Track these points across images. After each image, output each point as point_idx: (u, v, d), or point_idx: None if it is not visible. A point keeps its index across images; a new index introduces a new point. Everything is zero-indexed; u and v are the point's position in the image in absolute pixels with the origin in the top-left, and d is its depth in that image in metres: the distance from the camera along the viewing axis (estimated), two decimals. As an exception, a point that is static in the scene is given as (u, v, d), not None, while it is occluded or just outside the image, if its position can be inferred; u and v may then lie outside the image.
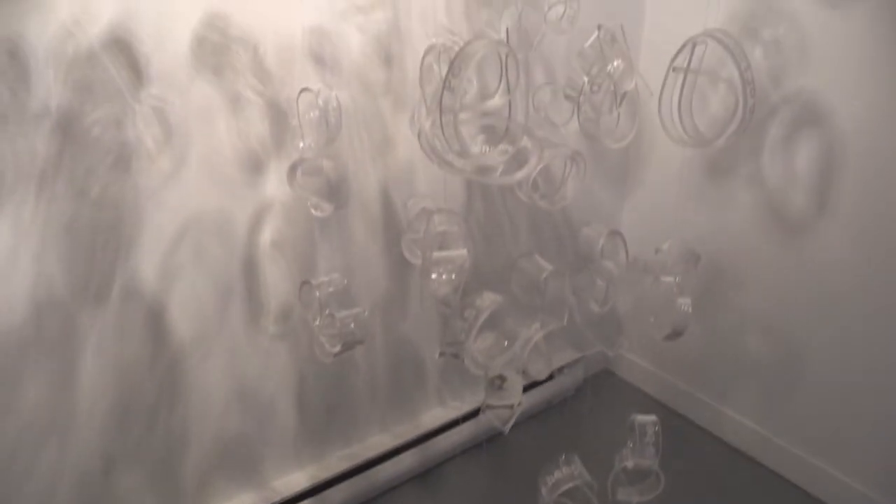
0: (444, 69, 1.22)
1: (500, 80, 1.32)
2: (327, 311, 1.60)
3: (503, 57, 1.24)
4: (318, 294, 1.57)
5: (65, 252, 1.60)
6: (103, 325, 1.70)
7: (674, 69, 1.37)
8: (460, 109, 1.15)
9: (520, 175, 1.29)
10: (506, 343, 1.47)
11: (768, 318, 2.32)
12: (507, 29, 1.22)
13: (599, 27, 1.29)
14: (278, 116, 1.78)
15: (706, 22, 2.09)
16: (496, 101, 1.37)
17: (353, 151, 1.90)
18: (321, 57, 1.78)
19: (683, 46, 1.37)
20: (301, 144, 1.54)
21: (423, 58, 1.46)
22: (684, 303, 1.52)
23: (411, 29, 1.86)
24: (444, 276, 1.37)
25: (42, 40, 1.49)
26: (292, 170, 1.57)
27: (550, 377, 2.39)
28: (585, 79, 1.28)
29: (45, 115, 1.52)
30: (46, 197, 1.56)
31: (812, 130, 2.08)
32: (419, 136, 1.33)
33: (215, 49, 1.67)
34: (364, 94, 1.88)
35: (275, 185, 1.82)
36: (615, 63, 1.26)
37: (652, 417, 1.59)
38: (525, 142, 1.28)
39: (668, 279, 1.47)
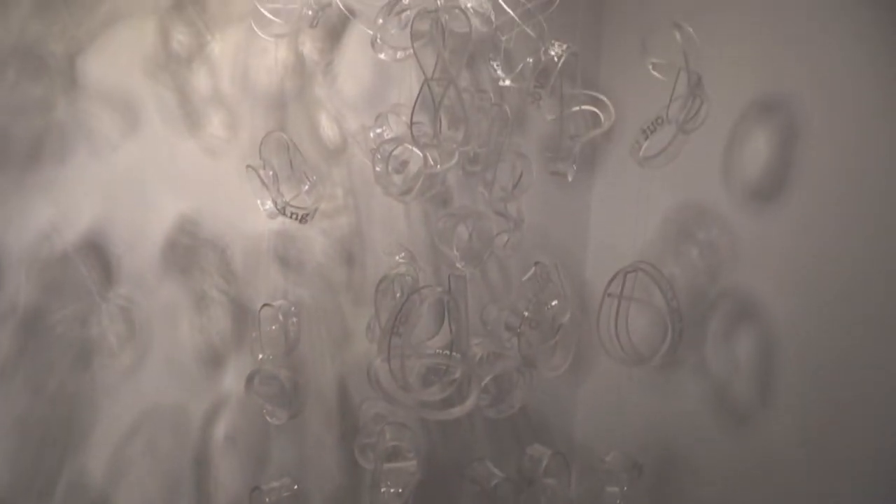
0: (398, 292, 1.33)
1: (444, 322, 1.43)
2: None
3: (447, 303, 1.35)
4: (268, 501, 1.56)
5: (11, 448, 1.59)
6: (43, 525, 1.64)
7: (608, 295, 1.50)
8: (407, 352, 1.25)
9: (459, 411, 1.36)
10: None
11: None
12: (450, 276, 1.34)
13: (536, 263, 1.42)
14: (241, 314, 1.84)
15: (644, 230, 2.28)
16: (439, 341, 1.49)
17: (311, 347, 1.96)
18: (286, 258, 1.89)
19: (616, 275, 1.51)
20: (260, 356, 1.60)
21: (378, 284, 1.58)
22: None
23: (373, 233, 2.00)
24: (392, 490, 1.39)
25: (19, 244, 1.58)
26: (249, 379, 1.63)
27: None
28: (526, 313, 1.40)
29: (11, 313, 1.58)
30: (2, 393, 1.57)
31: (749, 325, 2.19)
32: (368, 370, 1.42)
33: (185, 251, 1.77)
34: (325, 292, 1.97)
35: (233, 379, 1.85)
36: (552, 303, 1.39)
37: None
38: (465, 371, 1.37)
39: (613, 489, 1.49)
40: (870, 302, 1.84)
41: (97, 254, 1.67)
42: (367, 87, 1.91)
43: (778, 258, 2.10)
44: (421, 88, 1.21)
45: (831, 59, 1.85)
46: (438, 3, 1.28)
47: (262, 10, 1.43)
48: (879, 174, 1.78)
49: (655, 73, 1.50)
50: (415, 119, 1.32)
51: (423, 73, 1.21)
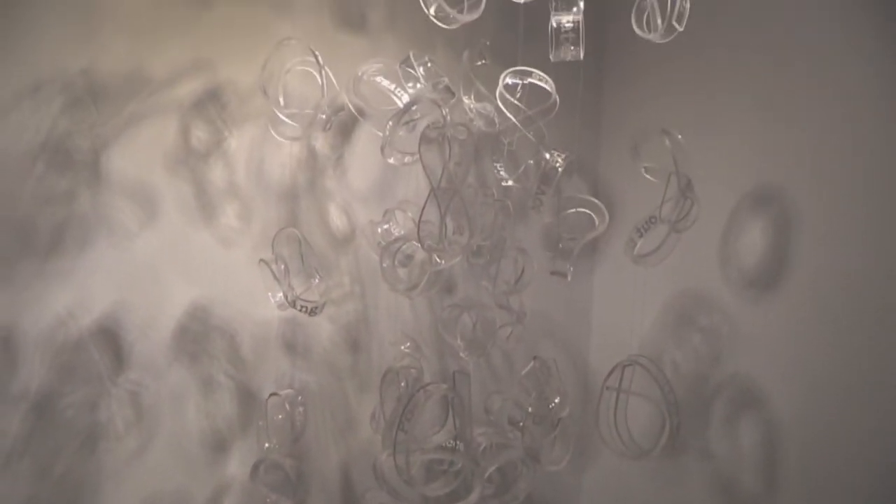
0: (403, 383, 1.37)
1: (448, 418, 1.47)
2: None
3: (451, 400, 1.40)
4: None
5: (16, 534, 1.60)
6: None
7: (606, 388, 1.53)
8: (413, 448, 1.28)
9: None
10: None
11: None
12: (455, 373, 1.39)
13: (535, 358, 1.47)
14: (248, 399, 1.88)
15: (645, 317, 2.32)
16: (443, 435, 1.52)
17: (317, 434, 1.98)
18: (293, 345, 1.93)
19: (614, 369, 1.55)
20: (266, 445, 1.63)
21: (384, 376, 1.62)
22: None
23: (378, 320, 2.05)
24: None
25: (35, 329, 1.64)
26: (255, 468, 1.65)
27: None
28: (529, 409, 1.44)
29: (23, 397, 1.61)
30: (9, 477, 1.60)
31: (752, 411, 2.20)
32: (374, 464, 1.45)
33: (195, 337, 1.81)
34: (331, 377, 2.01)
35: (237, 465, 1.87)
36: (556, 400, 1.43)
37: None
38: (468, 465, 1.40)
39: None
40: (871, 388, 1.86)
41: (110, 339, 1.72)
42: (376, 180, 2.01)
43: (778, 345, 2.12)
44: (428, 197, 1.29)
45: (822, 152, 1.93)
46: (444, 112, 1.37)
47: (279, 114, 1.52)
48: (873, 263, 1.84)
49: (648, 177, 1.58)
50: (423, 219, 1.39)
51: (430, 182, 1.29)
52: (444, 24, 1.20)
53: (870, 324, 1.85)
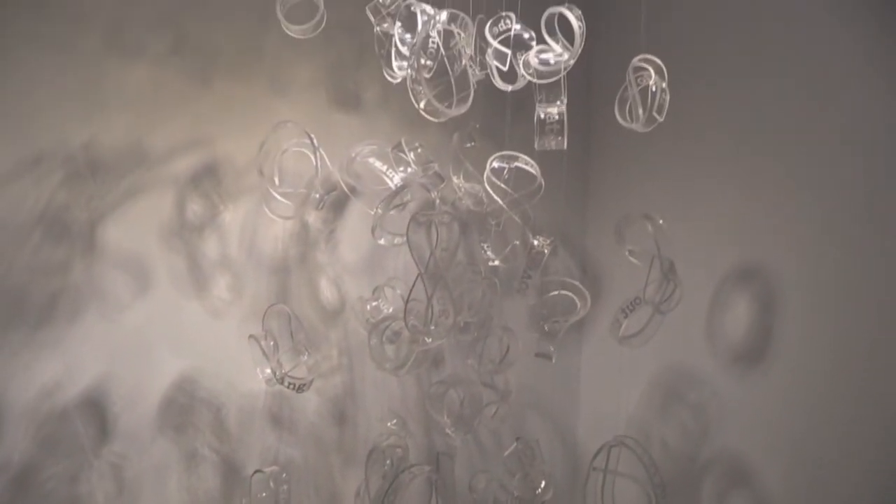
0: (388, 461, 1.38)
1: (432, 499, 1.46)
2: None
3: (434, 482, 1.40)
4: None
5: None
6: None
7: (593, 468, 1.54)
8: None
9: None
10: None
11: None
12: (439, 454, 1.39)
13: (518, 439, 1.48)
14: (231, 474, 1.86)
15: (633, 392, 2.32)
16: None
17: (299, 509, 1.96)
18: (279, 418, 1.93)
19: (601, 450, 1.55)
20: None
21: (370, 454, 1.63)
22: None
23: (365, 393, 2.05)
24: None
25: (22, 399, 1.63)
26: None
27: None
28: (515, 493, 1.44)
29: (5, 468, 1.60)
30: (-15, 550, 1.57)
31: (742, 489, 2.19)
32: None
33: (181, 409, 1.81)
34: (316, 451, 1.99)
35: (217, 542, 1.84)
36: (542, 484, 1.43)
37: None
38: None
39: None
40: (859, 465, 1.86)
41: (95, 411, 1.72)
42: (366, 254, 2.04)
43: (766, 420, 2.13)
44: (415, 280, 1.32)
45: (800, 230, 2.00)
46: (434, 196, 1.41)
47: (274, 193, 1.57)
48: (858, 338, 1.86)
49: (633, 259, 1.62)
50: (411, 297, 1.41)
51: (418, 267, 1.33)
52: (434, 117, 1.26)
53: (856, 397, 1.87)
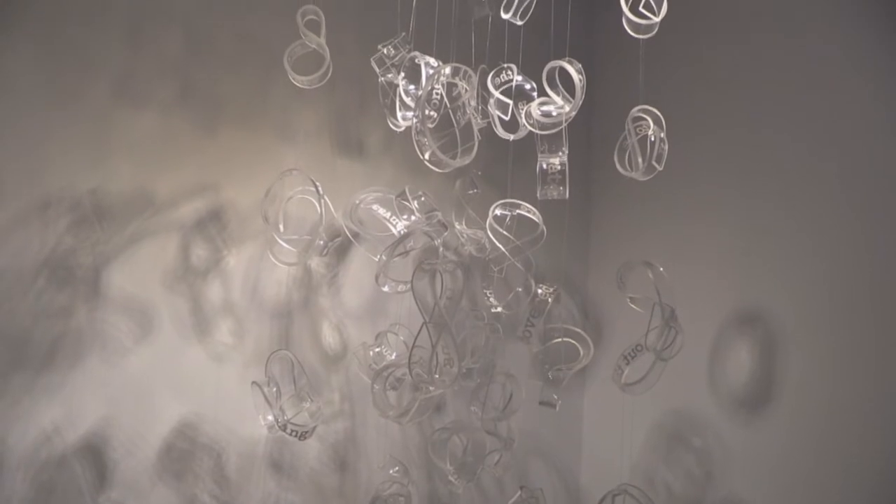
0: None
1: None
2: None
3: None
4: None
5: None
6: None
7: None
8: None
9: None
10: None
11: None
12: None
13: (522, 488, 1.47)
14: (230, 521, 1.84)
15: (636, 437, 2.30)
16: None
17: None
18: (280, 464, 1.91)
19: (604, 498, 1.54)
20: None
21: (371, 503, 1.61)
22: None
23: (367, 439, 2.04)
24: None
25: (21, 445, 1.62)
26: None
27: None
28: None
29: (2, 516, 1.58)
30: None
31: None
32: None
33: (181, 455, 1.80)
34: (317, 499, 1.97)
35: (214, 592, 1.81)
36: None
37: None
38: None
39: None
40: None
41: (95, 456, 1.70)
42: (369, 299, 2.05)
43: (771, 465, 2.11)
44: (420, 329, 1.33)
45: (800, 274, 2.01)
46: (438, 243, 1.43)
47: (279, 240, 1.58)
48: (859, 382, 1.86)
49: (634, 306, 1.63)
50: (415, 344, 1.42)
51: (423, 316, 1.34)
52: (438, 167, 1.28)
53: (858, 442, 1.86)
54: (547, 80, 1.41)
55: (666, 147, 1.52)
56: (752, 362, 2.14)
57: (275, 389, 1.58)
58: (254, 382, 1.63)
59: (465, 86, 1.28)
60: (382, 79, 1.63)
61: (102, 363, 1.73)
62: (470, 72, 1.34)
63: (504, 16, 1.48)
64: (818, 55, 2.01)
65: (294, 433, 1.57)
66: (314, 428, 1.62)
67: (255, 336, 1.91)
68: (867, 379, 1.86)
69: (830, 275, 1.95)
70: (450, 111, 1.29)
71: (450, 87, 1.32)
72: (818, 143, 1.99)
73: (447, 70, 1.29)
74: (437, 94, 1.32)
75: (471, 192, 1.77)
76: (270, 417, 1.59)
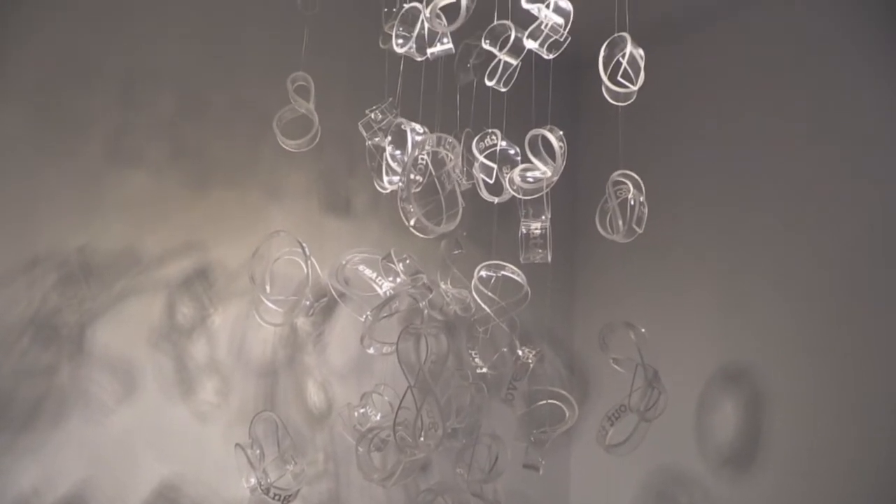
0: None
1: None
2: None
3: None
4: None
5: None
6: None
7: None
8: None
9: None
10: None
11: None
12: None
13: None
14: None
15: (623, 495, 2.29)
16: None
17: None
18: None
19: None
20: None
21: None
22: None
23: (351, 500, 2.01)
24: None
25: (-2, 510, 1.59)
26: None
27: None
28: None
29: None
30: None
31: None
32: None
33: (162, 519, 1.77)
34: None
35: None
36: None
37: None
38: None
39: None
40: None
41: (73, 522, 1.67)
42: (354, 357, 2.05)
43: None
44: (405, 394, 1.34)
45: (782, 330, 2.04)
46: (423, 306, 1.45)
47: (265, 301, 1.59)
48: (843, 438, 1.87)
49: (616, 367, 1.64)
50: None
51: (407, 379, 1.35)
52: (423, 234, 1.31)
53: (845, 497, 1.86)
54: (529, 147, 1.45)
55: (646, 210, 1.55)
56: (737, 419, 2.15)
57: (258, 451, 1.57)
58: (237, 445, 1.61)
59: (449, 154, 1.32)
60: (370, 142, 1.67)
61: (85, 422, 1.71)
62: (454, 141, 1.37)
63: (488, 83, 1.53)
64: (791, 115, 2.09)
65: (277, 497, 1.55)
66: (297, 491, 1.60)
67: (239, 395, 1.90)
68: (850, 435, 1.87)
69: (809, 333, 1.98)
70: (435, 178, 1.33)
71: (434, 154, 1.36)
72: (796, 203, 2.05)
73: (432, 140, 1.33)
74: (422, 160, 1.36)
75: (455, 252, 1.79)
76: (253, 480, 1.57)
